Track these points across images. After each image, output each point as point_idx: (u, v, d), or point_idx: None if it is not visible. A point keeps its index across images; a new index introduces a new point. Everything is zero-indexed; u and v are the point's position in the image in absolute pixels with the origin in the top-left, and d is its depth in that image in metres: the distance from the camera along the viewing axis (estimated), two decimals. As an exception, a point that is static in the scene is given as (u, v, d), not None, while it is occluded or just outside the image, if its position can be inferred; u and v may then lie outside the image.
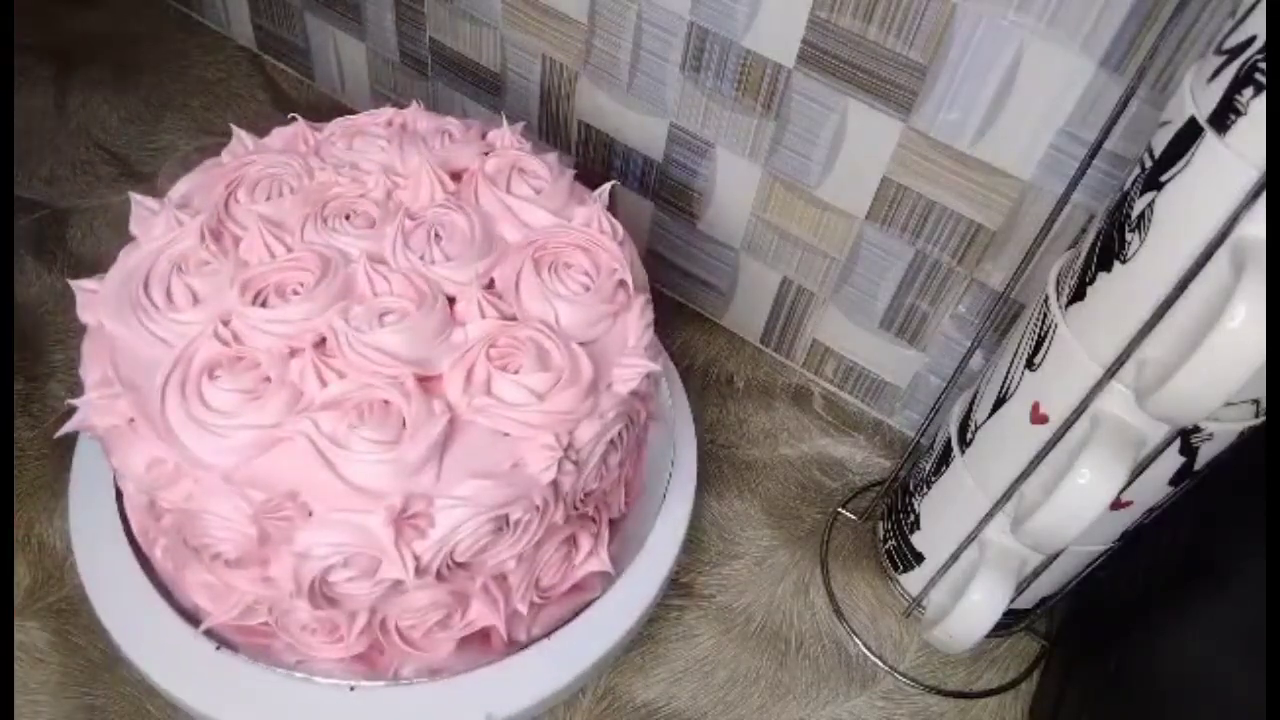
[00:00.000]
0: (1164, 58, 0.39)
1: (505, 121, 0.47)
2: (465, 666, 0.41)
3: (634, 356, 0.40)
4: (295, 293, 0.38)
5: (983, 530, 0.45)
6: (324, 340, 0.37)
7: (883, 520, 0.55)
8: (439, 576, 0.35)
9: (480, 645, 0.42)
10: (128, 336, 0.37)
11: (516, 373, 0.36)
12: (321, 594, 0.35)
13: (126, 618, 0.40)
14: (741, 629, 0.51)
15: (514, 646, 0.42)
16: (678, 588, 0.52)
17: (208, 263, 0.39)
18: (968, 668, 0.52)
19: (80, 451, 0.45)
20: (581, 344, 0.39)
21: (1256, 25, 0.28)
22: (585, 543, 0.43)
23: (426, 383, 0.36)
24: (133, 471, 0.34)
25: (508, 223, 0.42)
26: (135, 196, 0.41)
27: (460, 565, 0.36)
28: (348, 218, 0.41)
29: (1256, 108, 0.28)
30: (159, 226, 0.40)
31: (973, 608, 0.43)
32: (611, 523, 0.45)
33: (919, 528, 0.51)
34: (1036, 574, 0.46)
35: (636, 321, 0.41)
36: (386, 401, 0.35)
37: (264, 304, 0.37)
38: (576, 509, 0.39)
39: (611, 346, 0.40)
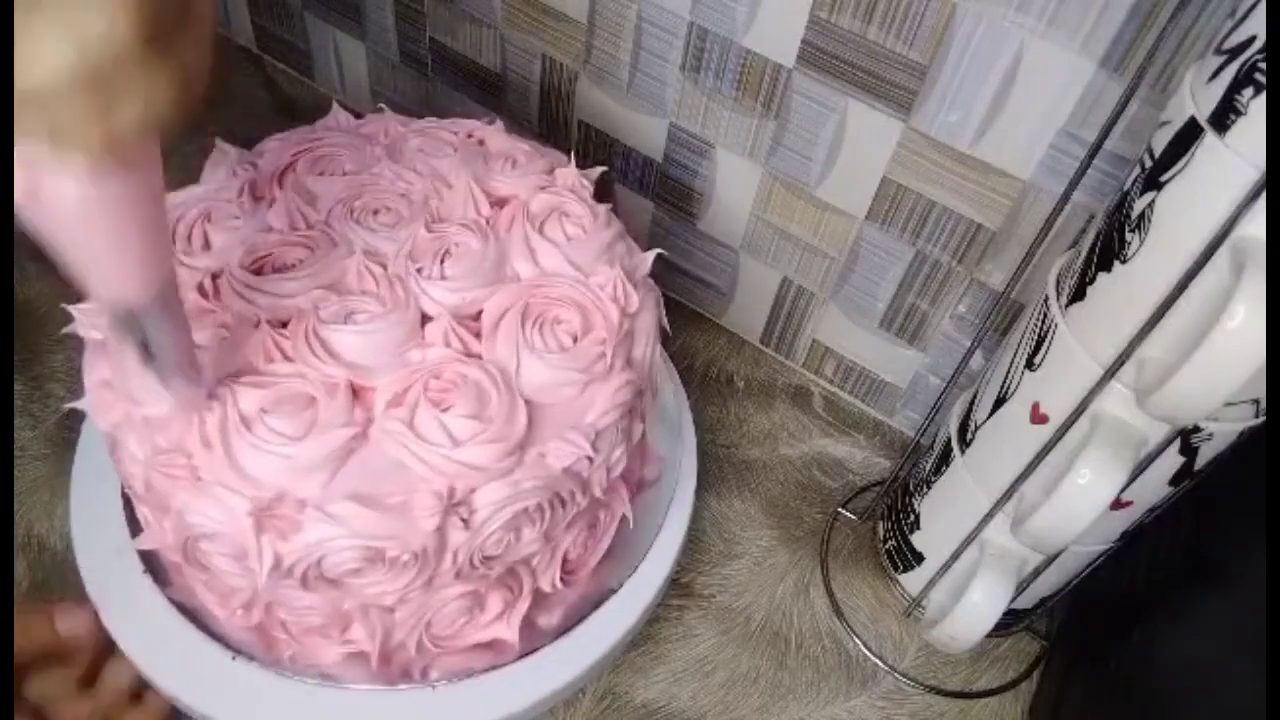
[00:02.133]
0: (1164, 58, 0.39)
1: (561, 159, 0.46)
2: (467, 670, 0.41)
3: (577, 434, 0.36)
4: (290, 268, 0.38)
5: (983, 530, 0.45)
6: (288, 321, 0.37)
7: (883, 520, 0.55)
8: (304, 583, 0.34)
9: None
10: None
11: (444, 410, 0.35)
12: (198, 562, 0.36)
13: (127, 618, 0.40)
14: (741, 629, 0.52)
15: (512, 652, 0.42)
16: (678, 588, 0.52)
17: (236, 218, 0.40)
18: (968, 668, 0.52)
19: (80, 451, 0.45)
20: (539, 404, 0.37)
21: (1256, 25, 0.28)
22: (494, 605, 0.41)
23: (362, 392, 0.36)
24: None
25: (524, 261, 0.41)
26: (220, 143, 0.43)
27: (329, 581, 0.35)
28: (376, 213, 0.41)
29: (1256, 108, 0.28)
30: (221, 172, 0.42)
31: (973, 608, 0.44)
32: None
33: (919, 528, 0.51)
34: (1036, 574, 0.46)
35: (605, 398, 0.37)
36: (313, 397, 0.34)
37: (258, 271, 0.38)
38: (475, 568, 0.37)
39: (568, 417, 0.37)
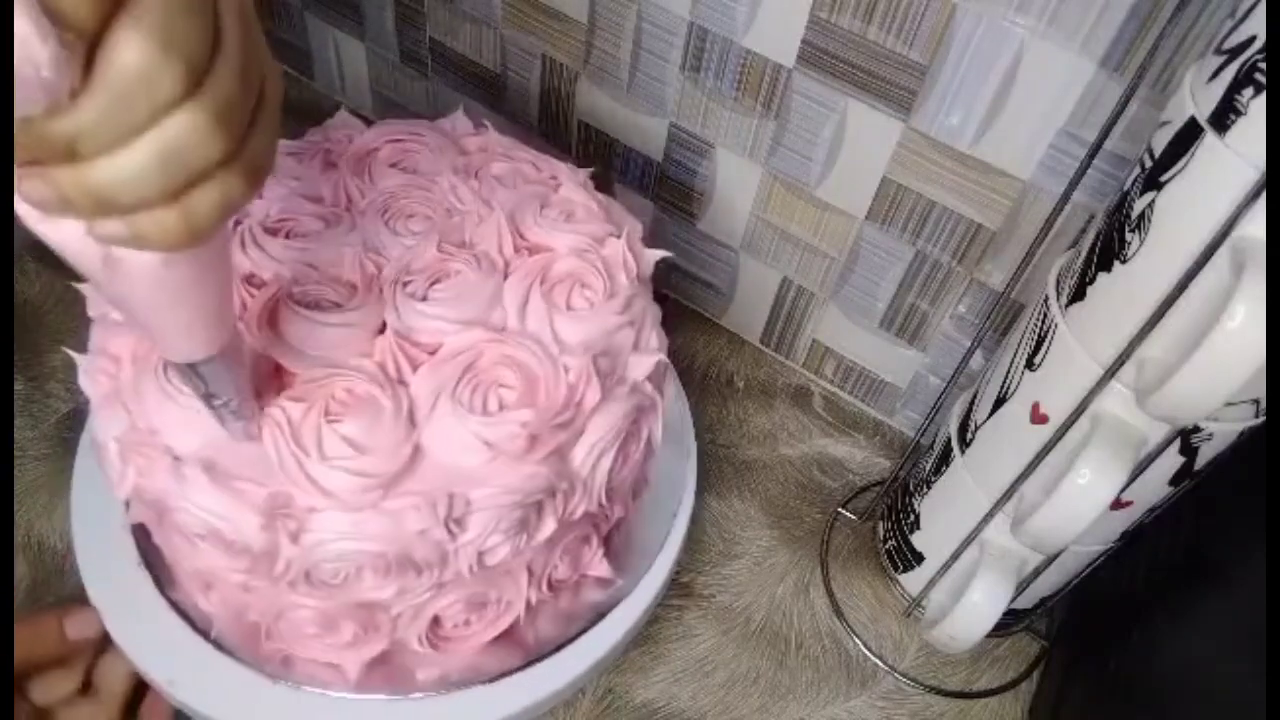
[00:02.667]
0: (1164, 58, 0.39)
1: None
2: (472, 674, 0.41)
3: (435, 504, 0.34)
4: (302, 236, 0.39)
5: (983, 530, 0.45)
6: (266, 283, 0.37)
7: (883, 520, 0.55)
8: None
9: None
10: None
11: (330, 421, 0.34)
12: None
13: (127, 618, 0.40)
14: (741, 629, 0.52)
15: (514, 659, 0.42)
16: (678, 588, 0.52)
17: (297, 179, 0.41)
18: (968, 668, 0.52)
19: (81, 451, 0.45)
20: (431, 452, 0.35)
21: (1256, 25, 0.28)
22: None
23: (285, 375, 0.36)
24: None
25: (514, 313, 0.39)
26: (344, 113, 0.46)
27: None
28: (411, 217, 0.41)
29: (1256, 108, 0.28)
30: (319, 134, 0.44)
31: (973, 608, 0.44)
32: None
33: (919, 528, 0.51)
34: (1036, 574, 0.46)
35: (507, 478, 0.35)
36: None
37: (275, 231, 0.39)
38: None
39: (458, 478, 0.35)
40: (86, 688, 0.40)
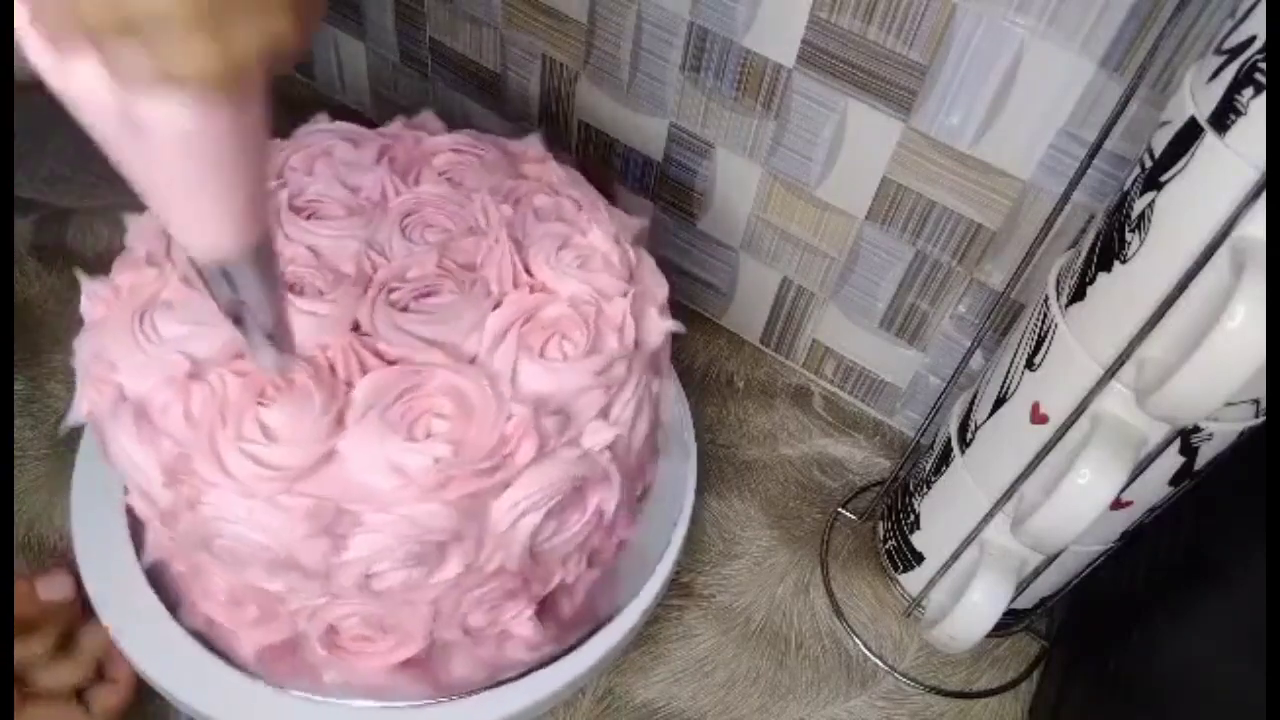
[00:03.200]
0: (1164, 58, 0.39)
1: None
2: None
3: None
4: (318, 220, 0.40)
5: (983, 530, 0.45)
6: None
7: (883, 520, 0.55)
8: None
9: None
10: None
11: (262, 404, 0.34)
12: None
13: (127, 618, 0.40)
14: (741, 629, 0.52)
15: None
16: (678, 588, 0.52)
17: (348, 164, 0.43)
18: (968, 668, 0.52)
19: (81, 451, 0.45)
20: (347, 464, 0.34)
21: (1256, 25, 0.28)
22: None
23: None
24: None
25: (485, 346, 0.37)
26: (429, 113, 0.47)
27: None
28: (430, 226, 0.41)
29: (1256, 108, 0.28)
30: (397, 125, 0.46)
31: (973, 608, 0.44)
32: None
33: (919, 528, 0.51)
34: (1036, 574, 0.46)
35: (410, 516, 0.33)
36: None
37: (296, 211, 0.40)
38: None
39: (373, 498, 0.34)
40: (60, 650, 0.40)
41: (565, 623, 0.43)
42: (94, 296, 0.37)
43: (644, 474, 0.46)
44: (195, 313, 0.36)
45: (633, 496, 0.43)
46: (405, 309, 0.37)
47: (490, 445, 0.34)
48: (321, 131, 0.45)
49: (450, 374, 0.35)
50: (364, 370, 0.35)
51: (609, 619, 0.43)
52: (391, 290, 0.38)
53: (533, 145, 0.47)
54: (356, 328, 0.37)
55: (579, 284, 0.39)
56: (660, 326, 0.41)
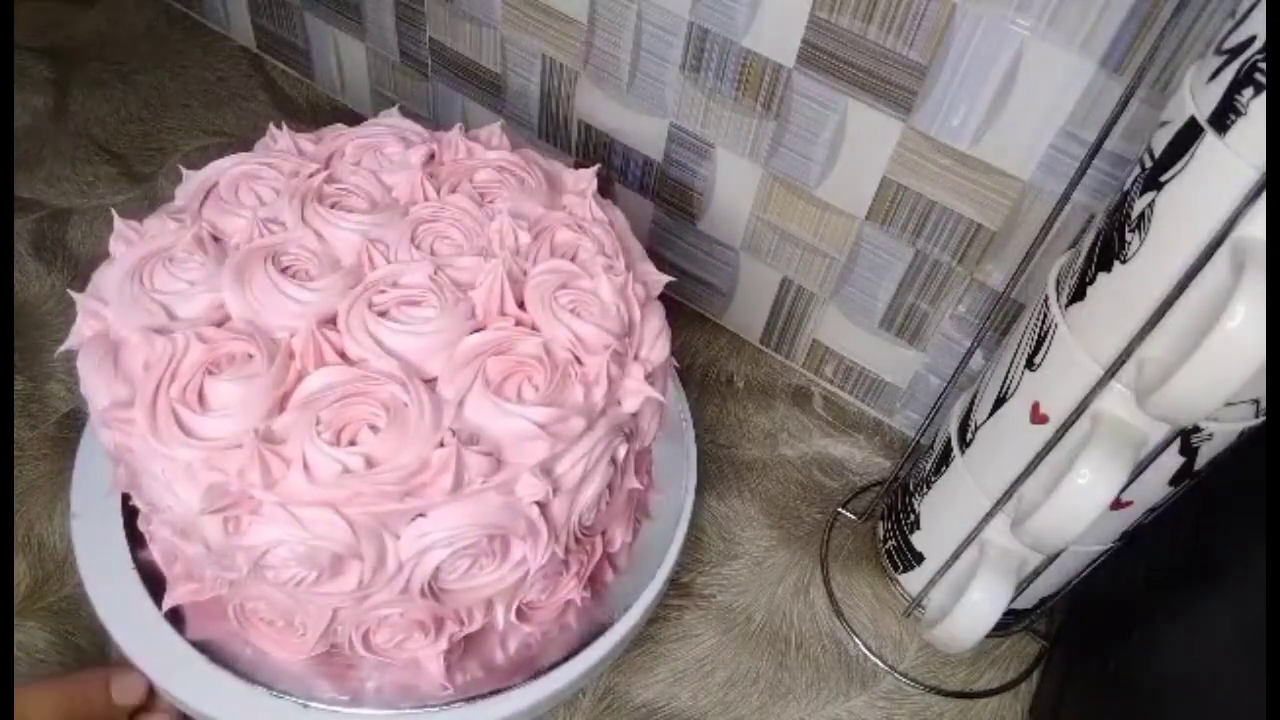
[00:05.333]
0: (1164, 58, 0.39)
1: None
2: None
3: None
4: (340, 210, 0.41)
5: (983, 530, 0.45)
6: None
7: (883, 520, 0.55)
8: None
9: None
10: None
11: (212, 374, 0.34)
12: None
13: (127, 618, 0.40)
14: (741, 629, 0.52)
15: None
16: (678, 588, 0.52)
17: (394, 161, 0.44)
18: (968, 668, 0.52)
19: (81, 452, 0.45)
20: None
21: (1256, 25, 0.28)
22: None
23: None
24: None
25: (450, 370, 0.36)
26: (497, 126, 0.47)
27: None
28: (445, 238, 0.41)
29: (1256, 108, 0.28)
30: (454, 133, 0.46)
31: (973, 608, 0.44)
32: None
33: (919, 528, 0.51)
34: (1036, 574, 0.46)
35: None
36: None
37: (321, 199, 0.41)
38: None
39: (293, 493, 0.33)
40: None
41: (493, 669, 0.41)
42: (120, 236, 0.40)
43: (610, 541, 0.44)
44: (192, 273, 0.38)
45: (584, 561, 0.42)
46: (384, 314, 0.37)
47: (410, 470, 0.33)
48: (385, 126, 0.46)
49: (397, 388, 0.34)
50: (321, 363, 0.35)
51: (609, 620, 0.44)
52: (378, 292, 0.37)
53: (584, 179, 0.45)
54: (335, 321, 0.37)
55: (564, 329, 0.38)
56: (639, 394, 0.39)
